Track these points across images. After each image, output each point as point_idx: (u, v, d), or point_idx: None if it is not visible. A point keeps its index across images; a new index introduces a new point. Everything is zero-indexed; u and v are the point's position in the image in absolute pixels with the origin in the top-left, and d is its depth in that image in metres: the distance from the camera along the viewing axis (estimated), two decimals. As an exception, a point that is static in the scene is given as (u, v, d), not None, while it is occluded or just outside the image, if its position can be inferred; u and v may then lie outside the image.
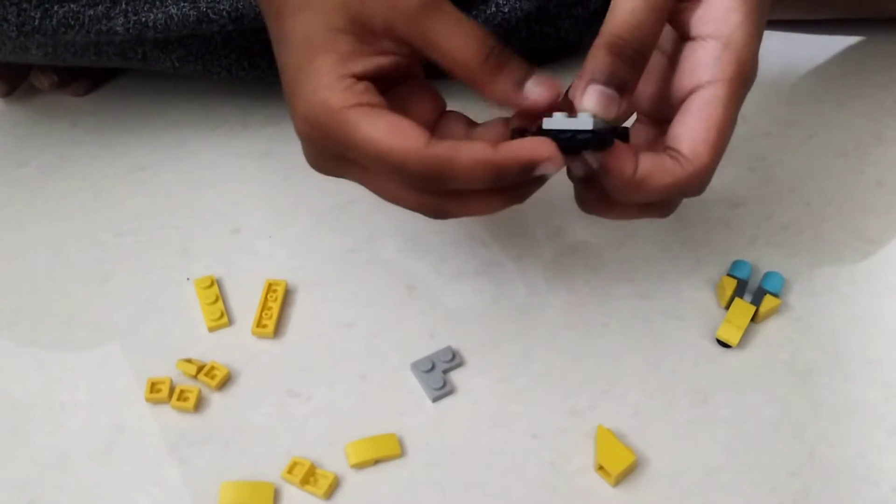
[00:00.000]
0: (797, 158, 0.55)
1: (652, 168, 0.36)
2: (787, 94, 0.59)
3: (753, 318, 0.46)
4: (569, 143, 0.35)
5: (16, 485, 0.41)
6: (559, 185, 0.47)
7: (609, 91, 0.35)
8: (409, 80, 0.40)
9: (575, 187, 0.40)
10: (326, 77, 0.36)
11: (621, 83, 0.35)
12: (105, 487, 0.41)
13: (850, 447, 0.42)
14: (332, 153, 0.37)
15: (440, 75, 0.38)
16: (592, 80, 0.35)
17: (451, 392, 0.44)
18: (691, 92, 0.37)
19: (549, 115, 0.35)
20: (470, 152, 0.35)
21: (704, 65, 0.36)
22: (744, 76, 0.36)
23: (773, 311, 0.47)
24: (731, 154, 0.54)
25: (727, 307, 0.47)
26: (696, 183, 0.37)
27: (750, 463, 0.41)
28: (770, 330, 0.46)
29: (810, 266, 0.49)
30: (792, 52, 0.62)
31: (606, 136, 0.35)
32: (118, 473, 0.42)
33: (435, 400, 0.44)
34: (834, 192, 0.53)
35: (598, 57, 0.35)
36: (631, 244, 0.50)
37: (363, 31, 0.36)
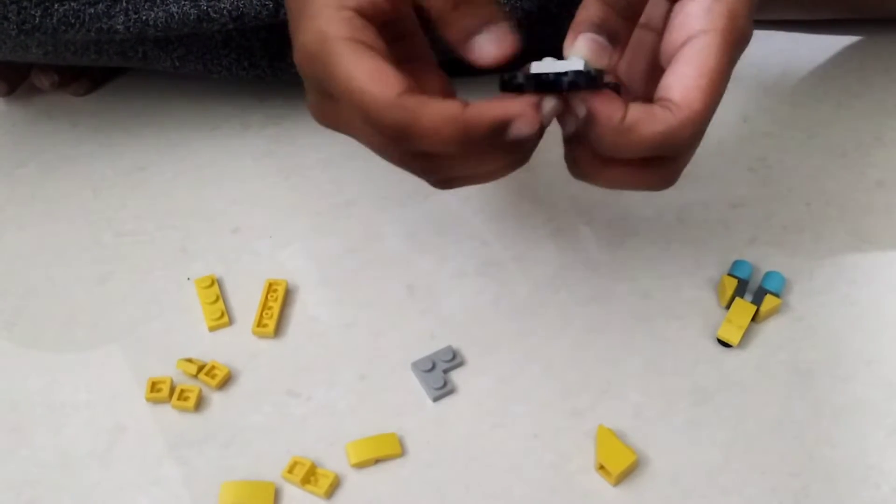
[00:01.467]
0: (797, 158, 0.55)
1: (642, 115, 0.34)
2: (787, 94, 0.59)
3: (754, 318, 0.46)
4: (555, 80, 0.33)
5: (16, 485, 0.41)
6: (560, 185, 0.47)
7: (600, 38, 0.35)
8: (420, 61, 0.39)
9: (565, 150, 0.38)
10: (327, 8, 0.35)
11: (613, 33, 0.35)
12: (105, 487, 0.41)
13: (851, 447, 0.42)
14: (319, 87, 0.36)
15: (456, 73, 0.37)
16: (584, 29, 0.35)
17: (451, 392, 0.44)
18: (683, 45, 0.35)
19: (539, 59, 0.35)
20: (437, 109, 0.33)
21: (696, 17, 0.35)
22: (737, 28, 0.35)
23: (774, 311, 0.47)
24: (731, 154, 0.55)
25: (728, 307, 0.47)
26: (689, 131, 0.35)
27: (750, 463, 0.41)
28: (770, 330, 0.46)
29: (811, 266, 0.49)
30: (792, 52, 0.62)
31: (595, 78, 0.34)
32: (118, 473, 0.42)
33: (435, 400, 0.44)
34: (834, 193, 0.53)
35: (589, 7, 0.35)
36: (631, 244, 0.50)
37: None
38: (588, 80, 0.34)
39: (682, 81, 0.35)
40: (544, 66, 0.34)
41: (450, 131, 0.33)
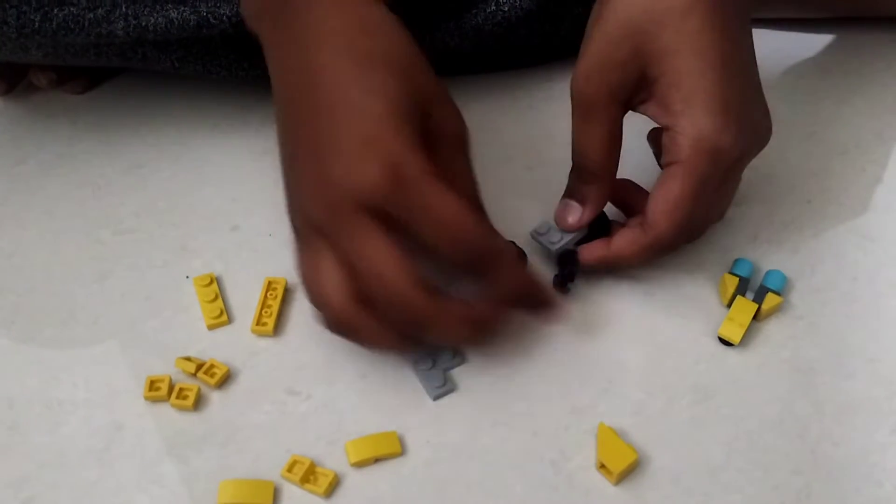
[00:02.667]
0: (798, 156, 0.55)
1: (622, 243, 0.44)
2: (787, 92, 0.59)
3: (755, 316, 0.46)
4: (558, 258, 0.47)
5: (13, 483, 0.41)
6: (560, 183, 0.47)
7: (570, 202, 0.46)
8: None
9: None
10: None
11: (580, 196, 0.45)
12: (103, 486, 0.41)
13: (853, 445, 0.42)
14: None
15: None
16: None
17: (451, 390, 0.44)
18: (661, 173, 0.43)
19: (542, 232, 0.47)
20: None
21: (665, 149, 0.42)
22: (703, 153, 0.41)
23: (775, 309, 0.46)
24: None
25: (729, 305, 0.46)
26: (658, 247, 0.44)
27: (752, 461, 0.41)
28: (772, 328, 0.46)
29: (812, 264, 0.49)
30: (793, 50, 0.62)
31: (571, 253, 0.46)
32: (116, 472, 0.41)
33: (436, 398, 0.44)
34: (835, 190, 0.53)
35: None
36: (632, 242, 0.50)
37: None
38: (566, 261, 0.47)
39: (652, 206, 0.43)
40: (545, 237, 0.47)
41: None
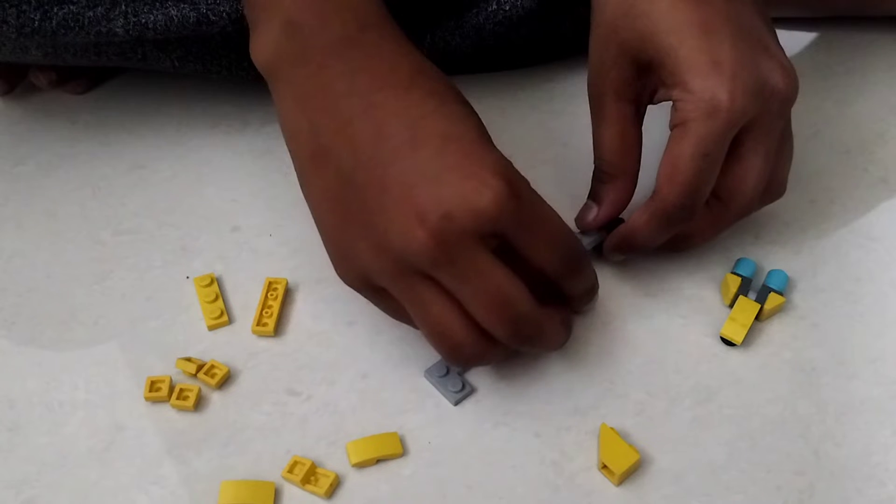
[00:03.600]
0: (800, 156, 0.54)
1: (634, 217, 0.44)
2: (789, 91, 0.59)
3: (758, 317, 0.46)
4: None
5: (13, 484, 0.41)
6: (562, 183, 0.47)
7: (589, 202, 0.47)
8: None
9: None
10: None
11: (598, 197, 0.46)
12: (104, 487, 0.41)
13: (856, 446, 0.42)
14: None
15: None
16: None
17: (471, 392, 0.44)
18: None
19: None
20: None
21: (670, 115, 0.42)
22: (701, 113, 0.40)
23: (778, 309, 0.46)
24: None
25: (731, 305, 0.46)
26: (668, 213, 0.42)
27: (754, 462, 0.41)
28: (774, 328, 0.46)
29: (814, 264, 0.49)
30: (795, 49, 0.62)
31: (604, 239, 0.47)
32: (117, 473, 0.41)
33: (457, 403, 0.43)
34: (837, 190, 0.53)
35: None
36: (633, 242, 0.50)
37: None
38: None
39: (659, 171, 0.42)
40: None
41: None
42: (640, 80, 0.44)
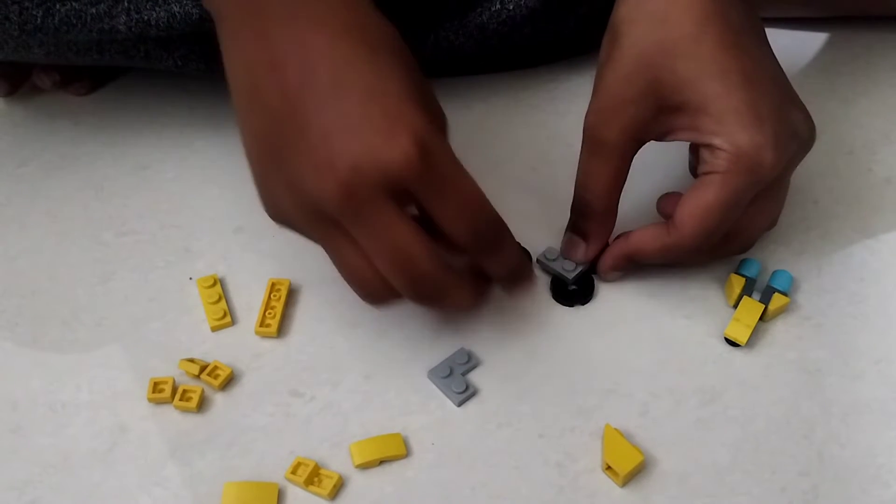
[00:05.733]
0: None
1: (644, 238, 0.45)
2: (793, 91, 0.59)
3: (762, 317, 0.45)
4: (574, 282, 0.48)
5: (17, 485, 0.41)
6: (564, 185, 0.47)
7: (574, 237, 0.47)
8: None
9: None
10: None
11: (583, 232, 0.46)
12: (107, 488, 0.41)
13: (860, 446, 0.42)
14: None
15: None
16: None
17: (475, 393, 0.44)
18: (698, 179, 0.43)
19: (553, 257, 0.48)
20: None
21: (704, 161, 0.42)
22: (745, 168, 0.40)
23: (782, 310, 0.46)
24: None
25: (735, 306, 0.46)
26: (679, 249, 0.43)
27: (759, 462, 0.41)
28: (778, 328, 0.46)
29: (819, 264, 0.49)
30: (798, 49, 0.62)
31: (587, 275, 0.48)
32: (120, 474, 0.41)
33: (460, 404, 0.43)
34: (842, 191, 0.53)
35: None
36: (637, 242, 0.50)
37: None
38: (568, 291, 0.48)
39: (682, 208, 0.42)
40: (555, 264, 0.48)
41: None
42: (657, 119, 0.42)
